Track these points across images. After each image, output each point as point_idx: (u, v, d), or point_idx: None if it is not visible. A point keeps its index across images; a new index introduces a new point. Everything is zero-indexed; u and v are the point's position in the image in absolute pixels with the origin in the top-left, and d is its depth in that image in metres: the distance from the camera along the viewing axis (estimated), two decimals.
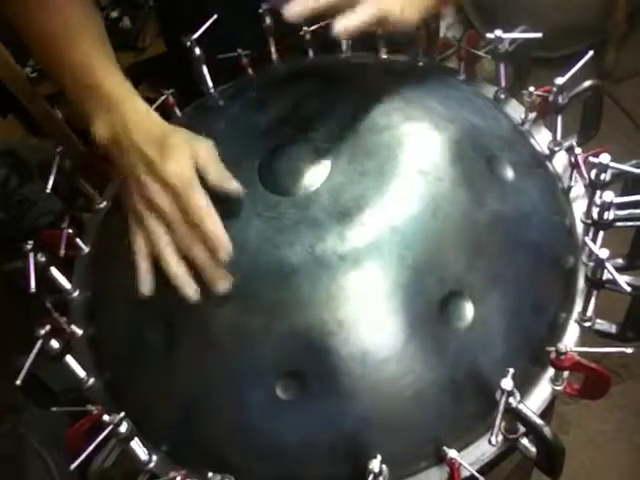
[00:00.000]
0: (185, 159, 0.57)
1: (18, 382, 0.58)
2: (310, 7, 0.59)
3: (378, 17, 0.61)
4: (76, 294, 0.72)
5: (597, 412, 1.38)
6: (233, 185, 0.60)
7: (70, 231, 0.73)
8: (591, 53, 0.65)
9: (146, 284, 0.59)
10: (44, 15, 0.66)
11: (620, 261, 0.62)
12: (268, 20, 0.81)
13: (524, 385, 0.56)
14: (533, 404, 0.56)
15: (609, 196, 0.56)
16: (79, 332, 0.69)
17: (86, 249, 0.75)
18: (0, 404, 1.13)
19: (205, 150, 0.59)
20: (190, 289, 0.57)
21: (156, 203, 0.57)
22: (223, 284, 0.57)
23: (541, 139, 0.72)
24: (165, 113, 0.83)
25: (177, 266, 0.57)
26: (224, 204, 0.59)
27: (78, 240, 0.75)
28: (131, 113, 0.60)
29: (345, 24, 0.59)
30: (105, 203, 0.79)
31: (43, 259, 0.68)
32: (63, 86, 0.65)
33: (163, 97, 0.81)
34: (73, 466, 0.52)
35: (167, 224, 0.57)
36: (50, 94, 1.64)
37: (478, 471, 0.52)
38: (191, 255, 0.57)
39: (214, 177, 0.58)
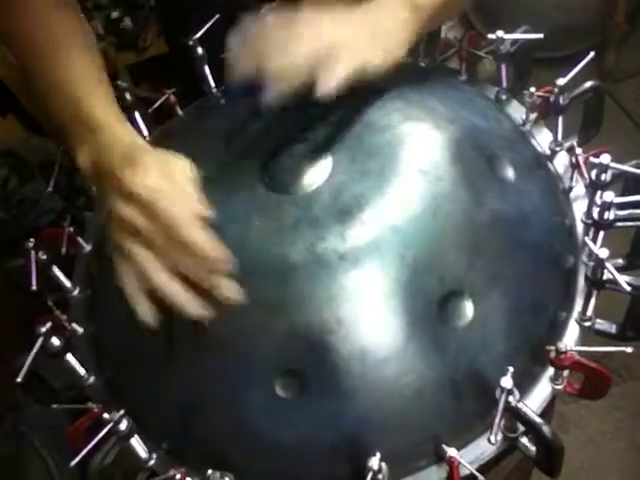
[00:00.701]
0: (156, 173, 0.53)
1: (19, 379, 0.58)
2: (287, 88, 0.58)
3: (359, 70, 0.59)
4: (76, 292, 0.72)
5: (597, 412, 1.38)
6: (206, 212, 0.54)
7: (71, 230, 0.73)
8: (592, 54, 0.65)
9: (149, 318, 0.54)
10: (28, 28, 0.63)
11: (620, 261, 0.62)
12: None
13: (524, 384, 0.56)
14: (533, 403, 0.56)
15: (609, 196, 0.56)
16: (80, 330, 0.69)
17: (87, 247, 0.76)
18: (0, 403, 1.13)
19: (180, 170, 0.55)
20: (198, 309, 0.53)
21: (133, 224, 0.52)
22: (235, 295, 0.53)
23: (542, 139, 0.72)
24: (166, 113, 0.83)
25: (178, 292, 0.52)
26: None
27: (79, 238, 0.75)
28: (110, 139, 0.57)
29: (327, 86, 0.57)
30: None
31: (44, 257, 0.68)
32: (47, 107, 0.62)
33: (164, 97, 0.81)
34: (73, 463, 0.52)
35: (153, 246, 0.52)
36: None
37: (478, 470, 0.52)
38: (189, 274, 0.52)
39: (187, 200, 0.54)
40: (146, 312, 0.54)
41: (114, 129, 0.58)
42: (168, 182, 0.53)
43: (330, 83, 0.57)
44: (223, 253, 0.52)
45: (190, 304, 0.53)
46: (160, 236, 0.52)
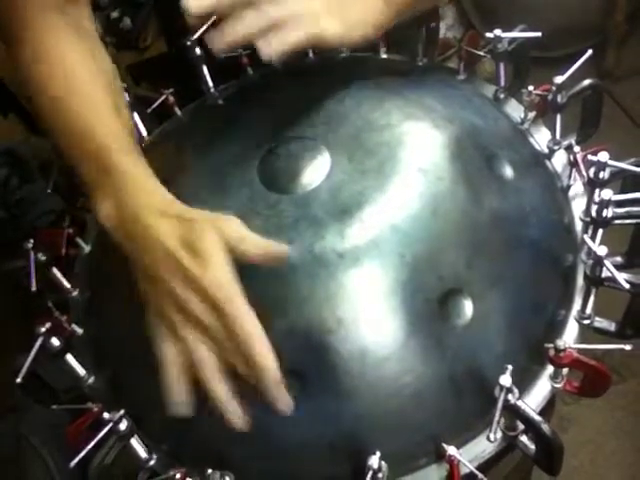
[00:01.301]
0: (221, 256, 0.48)
1: (18, 380, 0.58)
2: (231, 38, 0.56)
3: (312, 39, 0.58)
4: (76, 293, 0.72)
5: (597, 411, 1.38)
6: (277, 248, 0.51)
7: (71, 230, 0.73)
8: (590, 52, 0.65)
9: (184, 405, 0.49)
10: (48, 82, 0.60)
11: (619, 259, 0.62)
12: None
13: (523, 382, 0.56)
14: (532, 401, 0.56)
15: (608, 194, 0.56)
16: (79, 331, 0.69)
17: (87, 248, 0.76)
18: (0, 404, 1.13)
19: (234, 228, 0.50)
20: (240, 418, 0.48)
21: (196, 317, 0.47)
22: (285, 404, 0.48)
23: (540, 138, 0.72)
24: (165, 113, 0.83)
25: (227, 395, 0.48)
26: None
27: (79, 239, 0.75)
28: (143, 195, 0.52)
29: (273, 48, 0.56)
30: None
31: (44, 258, 0.68)
32: (67, 153, 0.59)
33: (163, 97, 0.81)
34: (73, 463, 0.52)
35: (211, 342, 0.48)
36: None
37: (477, 468, 0.52)
38: (242, 375, 0.48)
39: (256, 251, 0.50)
40: (183, 396, 0.49)
41: (146, 184, 0.54)
42: (231, 268, 0.48)
43: (277, 46, 0.57)
44: (275, 363, 0.47)
45: (237, 413, 0.48)
46: (223, 337, 0.47)
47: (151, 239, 0.49)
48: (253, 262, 0.49)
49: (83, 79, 0.60)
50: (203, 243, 0.48)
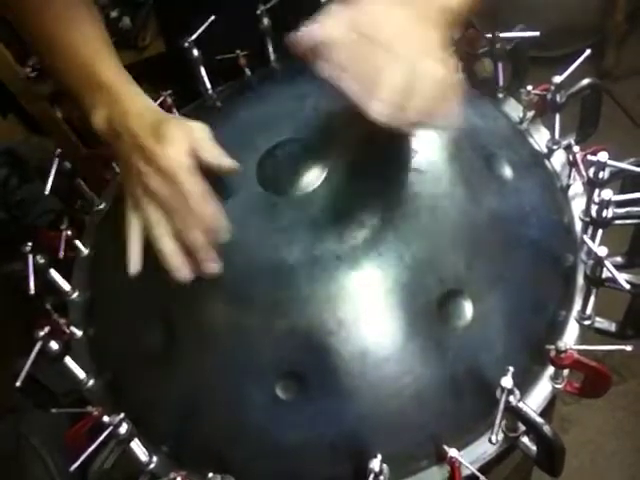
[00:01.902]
0: (180, 143, 0.58)
1: (18, 384, 0.58)
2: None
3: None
4: (75, 295, 0.72)
5: (598, 412, 1.38)
6: (228, 162, 0.60)
7: (69, 233, 0.73)
8: (589, 52, 0.65)
9: (136, 265, 0.59)
10: (45, 17, 0.66)
11: (619, 259, 0.62)
12: (266, 21, 0.81)
13: (524, 383, 0.56)
14: (533, 402, 0.56)
15: (608, 194, 0.56)
16: (79, 333, 0.68)
17: (85, 250, 0.75)
18: (0, 404, 1.13)
19: (199, 132, 0.60)
20: (184, 273, 0.57)
21: (153, 189, 0.57)
22: (213, 266, 0.57)
23: (539, 138, 0.72)
24: None
25: (172, 252, 0.57)
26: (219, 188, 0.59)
27: (77, 242, 0.75)
28: (128, 102, 0.61)
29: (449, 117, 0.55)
30: (104, 204, 0.79)
31: (42, 261, 0.68)
32: (63, 80, 0.66)
33: (161, 98, 0.81)
34: (73, 467, 0.52)
35: (164, 210, 0.57)
36: (50, 94, 1.64)
37: (479, 470, 0.52)
38: (187, 239, 0.57)
39: (210, 156, 0.59)
40: (137, 259, 0.59)
41: (131, 94, 0.63)
42: (188, 154, 0.58)
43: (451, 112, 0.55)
44: (226, 222, 0.57)
45: (177, 263, 0.57)
46: (174, 204, 0.57)
47: (128, 133, 0.59)
48: (208, 167, 0.59)
49: (74, 15, 0.67)
50: (168, 132, 0.58)
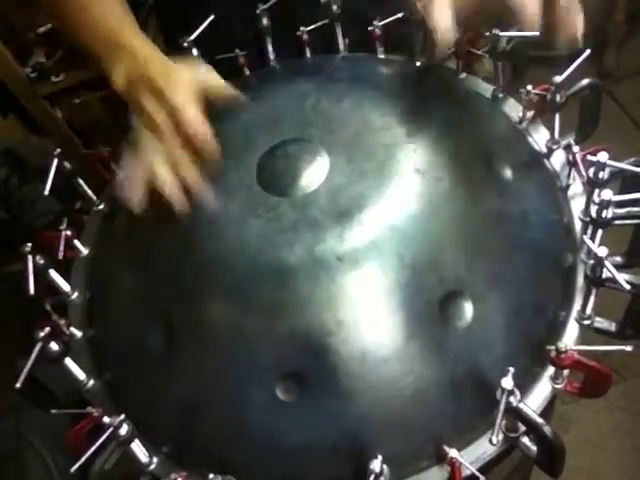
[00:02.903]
0: (188, 83, 0.65)
1: (18, 385, 0.57)
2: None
3: None
4: (75, 296, 0.72)
5: (597, 412, 1.38)
6: (232, 91, 0.69)
7: (69, 233, 0.73)
8: (589, 51, 0.65)
9: (137, 202, 0.63)
10: None
11: (619, 259, 0.62)
12: (265, 20, 0.81)
13: (524, 384, 0.56)
14: (533, 403, 0.56)
15: (608, 194, 0.56)
16: (78, 334, 0.68)
17: (85, 250, 0.75)
18: (0, 404, 1.13)
19: (205, 70, 0.69)
20: (181, 204, 0.62)
21: (160, 126, 0.64)
22: (211, 200, 0.63)
23: (539, 137, 0.72)
24: None
25: (172, 184, 0.63)
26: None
27: (77, 242, 0.74)
28: (146, 54, 0.68)
29: None
30: (103, 205, 0.79)
31: (42, 262, 0.68)
32: (79, 42, 0.72)
33: None
34: (73, 469, 0.52)
35: (167, 146, 0.64)
36: (50, 94, 1.64)
37: (479, 470, 0.52)
38: (182, 167, 0.63)
39: (216, 87, 0.68)
40: (137, 196, 0.63)
41: (149, 50, 0.69)
42: (195, 93, 0.65)
43: None
44: (216, 149, 0.64)
45: (177, 196, 0.62)
46: (177, 136, 0.64)
47: (145, 80, 0.65)
48: (216, 101, 0.67)
49: None
50: (179, 73, 0.66)
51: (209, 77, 0.68)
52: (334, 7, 0.79)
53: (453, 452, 0.53)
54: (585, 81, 0.66)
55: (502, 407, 0.49)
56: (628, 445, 1.35)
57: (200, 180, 0.63)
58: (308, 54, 0.84)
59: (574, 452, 1.32)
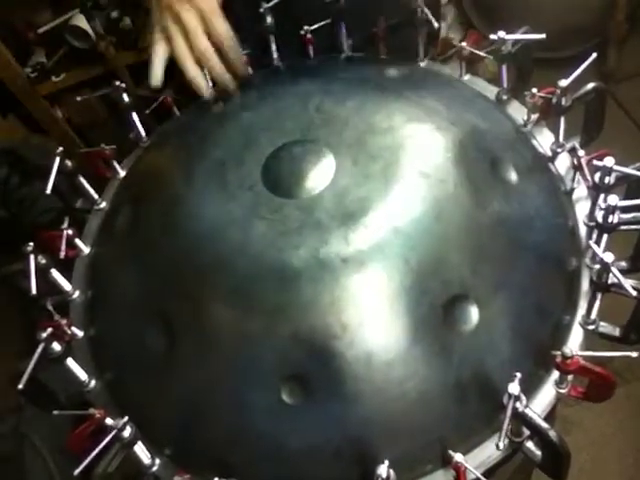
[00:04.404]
0: None
1: (20, 386, 0.57)
2: None
3: None
4: (76, 295, 0.72)
5: (599, 414, 1.38)
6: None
7: (70, 232, 0.73)
8: (594, 55, 0.65)
9: (157, 80, 0.75)
10: None
11: (623, 263, 0.62)
12: (269, 19, 0.81)
13: (528, 388, 0.55)
14: (537, 407, 0.55)
15: (614, 200, 0.56)
16: (80, 334, 0.68)
17: (86, 250, 0.75)
18: (1, 404, 1.13)
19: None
20: (205, 86, 0.75)
21: (184, 21, 0.73)
22: (232, 84, 0.76)
23: (543, 141, 0.72)
24: (165, 113, 0.83)
25: (195, 72, 0.74)
26: None
27: (78, 241, 0.74)
28: None
29: None
30: (104, 204, 0.79)
31: (43, 261, 0.67)
32: None
33: (161, 98, 0.81)
34: (77, 472, 0.51)
35: (190, 36, 0.73)
36: (50, 94, 1.64)
37: (483, 474, 0.52)
38: (207, 61, 0.74)
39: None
40: (159, 75, 0.75)
41: None
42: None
43: None
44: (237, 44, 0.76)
45: (199, 80, 0.75)
46: (200, 33, 0.74)
47: None
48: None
49: None
50: None
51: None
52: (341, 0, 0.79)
53: (458, 456, 0.53)
54: (590, 85, 0.66)
55: (509, 413, 0.49)
56: (630, 447, 1.35)
57: (222, 67, 0.73)
58: (312, 54, 0.84)
59: (576, 454, 1.31)
